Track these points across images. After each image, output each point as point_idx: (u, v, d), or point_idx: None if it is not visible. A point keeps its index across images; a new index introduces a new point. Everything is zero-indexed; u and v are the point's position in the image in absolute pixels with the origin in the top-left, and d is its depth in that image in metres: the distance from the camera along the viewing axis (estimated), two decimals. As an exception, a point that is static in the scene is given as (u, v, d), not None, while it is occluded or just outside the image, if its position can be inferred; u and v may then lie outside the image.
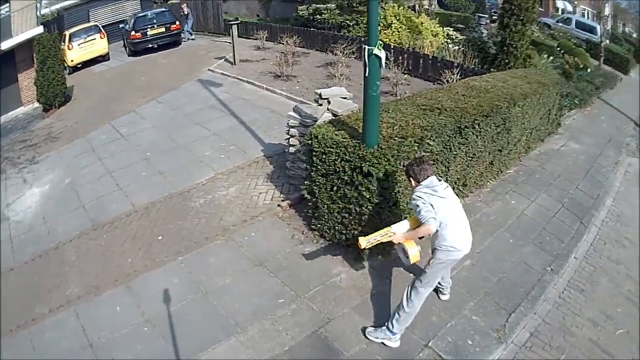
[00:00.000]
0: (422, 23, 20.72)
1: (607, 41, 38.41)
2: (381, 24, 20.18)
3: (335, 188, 7.25)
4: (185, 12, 26.48)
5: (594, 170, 11.86)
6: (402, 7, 21.55)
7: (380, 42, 6.38)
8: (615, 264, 8.22)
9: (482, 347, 6.11)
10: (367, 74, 6.52)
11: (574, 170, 11.54)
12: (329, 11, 22.82)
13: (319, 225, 7.76)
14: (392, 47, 18.04)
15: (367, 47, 6.30)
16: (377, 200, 6.84)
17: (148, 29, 23.62)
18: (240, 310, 6.57)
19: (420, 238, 5.75)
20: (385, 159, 6.65)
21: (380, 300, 6.73)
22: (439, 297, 6.80)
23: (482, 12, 29.88)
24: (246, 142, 11.20)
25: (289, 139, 9.21)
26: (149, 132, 13.19)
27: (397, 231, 5.76)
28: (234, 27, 19.44)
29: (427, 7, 27.59)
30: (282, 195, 8.97)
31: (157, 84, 17.74)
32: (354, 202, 7.02)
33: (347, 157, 6.93)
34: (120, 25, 26.42)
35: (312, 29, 22.20)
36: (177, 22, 24.68)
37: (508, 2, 15.31)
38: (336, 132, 7.30)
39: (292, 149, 9.14)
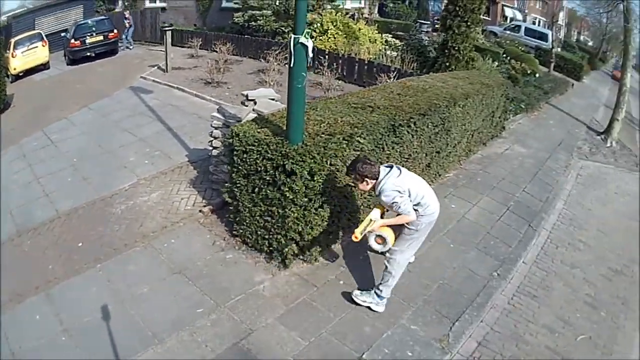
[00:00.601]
0: (359, 29, 20.49)
1: (559, 49, 38.93)
2: (317, 30, 20.18)
3: (257, 189, 6.74)
4: (128, 20, 26.46)
5: (542, 174, 11.70)
6: (339, 13, 21.34)
7: (308, 31, 5.98)
8: (570, 268, 7.97)
9: (424, 358, 5.67)
10: (292, 64, 6.06)
11: (520, 174, 11.35)
12: (264, 17, 22.65)
13: (241, 231, 7.26)
14: (326, 52, 17.99)
15: (293, 35, 5.91)
16: (301, 202, 6.32)
17: (87, 37, 23.80)
18: (158, 321, 6.12)
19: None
20: (310, 157, 6.15)
21: (306, 310, 6.26)
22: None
23: (425, 20, 29.93)
24: (171, 147, 11.05)
25: (212, 141, 8.80)
26: (78, 139, 12.99)
27: (377, 220, 5.74)
28: (168, 34, 19.40)
29: (367, 15, 27.47)
30: (204, 201, 8.65)
31: (91, 92, 17.60)
32: (276, 204, 6.52)
33: (269, 155, 6.43)
34: (62, 34, 26.30)
35: (246, 36, 22.16)
36: (115, 31, 24.78)
37: (452, 3, 15.00)
38: (259, 130, 6.78)
39: (215, 152, 8.74)
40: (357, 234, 5.58)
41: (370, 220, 5.70)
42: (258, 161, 6.56)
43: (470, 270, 7.30)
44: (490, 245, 8.03)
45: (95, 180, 10.15)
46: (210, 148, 8.89)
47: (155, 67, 19.75)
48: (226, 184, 7.50)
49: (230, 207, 7.43)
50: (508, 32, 36.64)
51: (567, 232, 9.16)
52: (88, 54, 23.82)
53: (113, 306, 6.47)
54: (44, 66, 23.83)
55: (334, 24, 20.20)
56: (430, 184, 9.17)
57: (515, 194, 10.15)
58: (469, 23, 14.80)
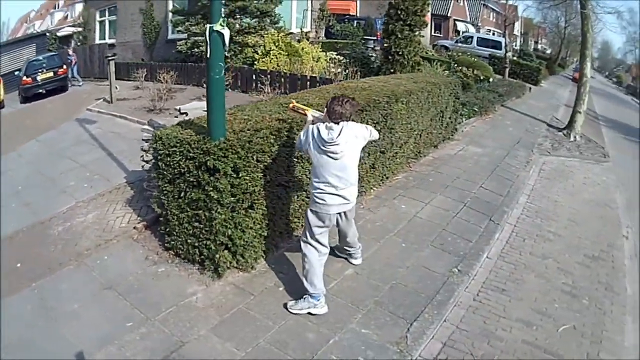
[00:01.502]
0: (302, 48, 20.21)
1: (516, 57, 39.33)
2: (260, 52, 20.14)
3: (182, 194, 6.33)
4: (72, 57, 26.84)
5: (500, 170, 11.51)
6: (282, 34, 21.15)
7: (224, 18, 5.72)
8: (541, 259, 7.67)
9: (379, 362, 5.20)
10: (209, 55, 5.74)
11: (476, 171, 11.12)
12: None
13: (173, 242, 6.83)
14: (268, 72, 17.92)
15: (208, 25, 5.62)
16: (228, 202, 5.91)
17: (38, 74, 24.09)
18: (88, 337, 5.75)
19: None
20: (234, 151, 5.78)
21: (243, 319, 5.82)
22: (351, 262, 6.73)
23: (371, 36, 30.05)
24: (111, 171, 11.00)
25: (142, 155, 8.54)
26: (24, 168, 13.01)
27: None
28: (111, 63, 19.45)
29: (313, 38, 27.41)
30: (139, 218, 8.41)
31: (39, 126, 17.70)
32: (202, 206, 6.10)
33: (191, 154, 6.05)
34: (16, 72, 26.79)
35: (190, 63, 22.01)
36: (64, 67, 25.13)
37: (393, 7, 14.86)
38: (182, 132, 6.38)
39: (147, 166, 8.45)
40: (295, 103, 6.21)
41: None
42: (181, 162, 6.18)
43: (426, 268, 6.88)
44: (447, 242, 7.65)
45: (37, 205, 10.09)
46: (143, 163, 8.61)
47: (101, 100, 19.85)
48: (154, 194, 7.15)
49: (161, 219, 7.07)
50: (460, 44, 36.89)
51: (534, 225, 8.90)
52: (40, 91, 23.94)
53: (46, 324, 6.19)
54: (-1, 105, 23.85)
55: (277, 44, 20.07)
56: (377, 188, 9.23)
57: (472, 190, 9.85)
58: (412, 26, 14.61)
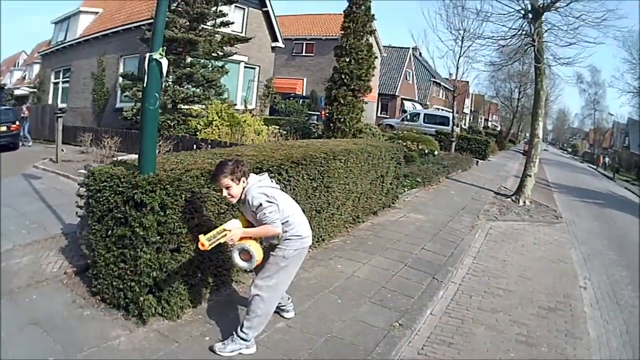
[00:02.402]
0: (245, 120, 20.40)
1: (466, 133, 40.15)
2: (202, 123, 20.19)
3: (110, 232, 6.14)
4: (25, 114, 26.47)
5: (443, 233, 11.52)
6: (225, 104, 21.32)
7: (164, 48, 5.70)
8: (490, 313, 7.62)
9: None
10: (145, 84, 5.70)
11: (419, 235, 11.08)
12: (149, 111, 22.41)
13: (99, 286, 6.58)
14: (209, 141, 18.00)
15: (148, 53, 5.61)
16: (154, 239, 5.73)
17: None
18: None
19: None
20: (162, 187, 5.65)
21: None
22: (282, 316, 6.40)
23: (315, 111, 30.64)
24: (49, 222, 10.87)
25: (77, 201, 8.21)
26: None
27: (234, 229, 5.17)
28: (60, 120, 19.38)
29: (256, 113, 27.82)
30: (70, 265, 8.21)
31: None
32: (128, 244, 5.91)
33: (120, 188, 5.92)
34: None
35: (135, 131, 21.58)
36: (17, 123, 24.52)
37: (338, 71, 14.93)
38: (114, 168, 6.29)
39: (81, 212, 8.09)
40: (204, 241, 5.00)
41: (225, 229, 5.16)
42: (110, 198, 6.03)
43: (364, 322, 6.66)
44: (387, 298, 7.47)
45: (-25, 246, 9.86)
46: (78, 210, 8.30)
47: (48, 159, 19.93)
48: (84, 233, 6.97)
49: (89, 261, 6.88)
50: (406, 122, 37.46)
51: (481, 283, 8.87)
52: None
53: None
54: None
55: (219, 114, 20.20)
56: (312, 249, 8.87)
57: (413, 252, 9.76)
58: (355, 91, 14.67)
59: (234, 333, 5.58)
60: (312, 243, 8.55)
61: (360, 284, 7.93)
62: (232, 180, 5.13)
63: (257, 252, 5.21)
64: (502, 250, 11.03)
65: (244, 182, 5.21)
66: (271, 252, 5.43)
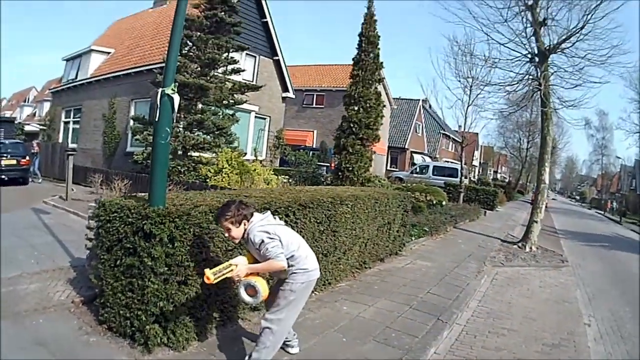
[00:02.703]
0: (254, 169, 20.41)
1: (475, 184, 40.12)
2: (213, 170, 20.21)
3: (118, 262, 6.26)
4: (35, 150, 26.69)
5: (449, 278, 11.51)
6: (235, 152, 21.28)
7: (176, 83, 5.92)
8: (495, 351, 7.61)
9: None
10: (157, 119, 5.87)
11: (424, 280, 11.08)
12: (162, 157, 22.43)
13: (106, 315, 6.66)
14: (219, 188, 17.79)
15: (160, 88, 5.80)
16: (161, 270, 5.85)
17: (2, 159, 23.56)
18: None
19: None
20: (171, 219, 5.80)
21: None
22: (287, 351, 6.33)
23: (325, 163, 30.82)
24: (57, 254, 11.04)
25: (87, 233, 8.42)
26: None
27: (240, 264, 5.33)
28: (70, 158, 19.61)
29: (267, 165, 27.89)
30: (78, 295, 8.27)
31: None
32: (136, 274, 6.02)
33: (130, 219, 6.07)
34: None
35: (145, 175, 21.56)
36: (27, 157, 24.79)
37: (346, 120, 14.91)
38: (125, 200, 6.48)
39: (89, 244, 8.26)
40: (210, 275, 5.14)
41: (231, 264, 5.30)
42: (120, 228, 6.18)
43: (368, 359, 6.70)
44: (391, 337, 7.47)
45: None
46: (87, 242, 8.48)
47: (57, 196, 20.05)
48: (93, 263, 7.07)
49: (96, 291, 6.97)
50: (415, 174, 37.44)
51: (485, 324, 8.86)
52: (2, 176, 23.48)
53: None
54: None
55: (229, 162, 20.22)
56: (318, 292, 9.08)
57: (419, 295, 9.77)
58: (364, 140, 14.65)
59: None
60: (319, 286, 8.75)
61: (365, 324, 7.94)
62: (232, 223, 5.34)
63: (262, 287, 5.31)
64: (507, 294, 11.04)
65: (244, 224, 5.39)
66: (280, 287, 5.55)
